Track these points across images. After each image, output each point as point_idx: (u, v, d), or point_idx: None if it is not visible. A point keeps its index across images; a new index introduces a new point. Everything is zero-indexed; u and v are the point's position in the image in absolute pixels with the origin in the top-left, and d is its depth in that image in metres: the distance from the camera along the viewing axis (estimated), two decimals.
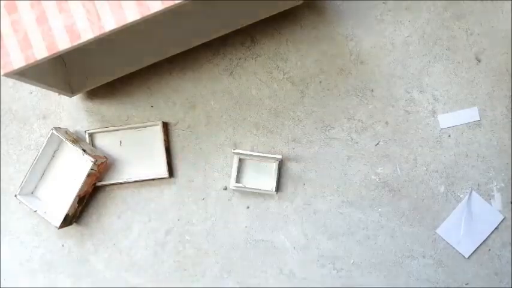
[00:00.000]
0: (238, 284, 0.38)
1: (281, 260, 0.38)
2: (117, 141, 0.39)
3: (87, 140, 0.39)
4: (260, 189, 0.38)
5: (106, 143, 0.39)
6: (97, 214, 0.39)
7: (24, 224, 0.39)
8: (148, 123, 0.39)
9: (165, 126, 0.39)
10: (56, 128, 0.37)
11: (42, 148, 0.37)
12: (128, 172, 0.39)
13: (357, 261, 0.38)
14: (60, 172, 0.38)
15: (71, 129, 0.39)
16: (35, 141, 0.40)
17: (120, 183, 0.39)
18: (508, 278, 0.37)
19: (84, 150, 0.36)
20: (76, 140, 0.38)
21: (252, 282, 0.38)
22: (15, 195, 0.37)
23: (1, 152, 0.40)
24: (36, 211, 0.37)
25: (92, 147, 0.38)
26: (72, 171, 0.38)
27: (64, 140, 0.37)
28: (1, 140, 0.40)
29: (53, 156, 0.39)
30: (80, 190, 0.37)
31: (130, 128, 0.39)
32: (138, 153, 0.39)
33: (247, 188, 0.38)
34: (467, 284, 0.37)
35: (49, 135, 0.37)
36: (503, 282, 0.37)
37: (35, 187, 0.38)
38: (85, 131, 0.39)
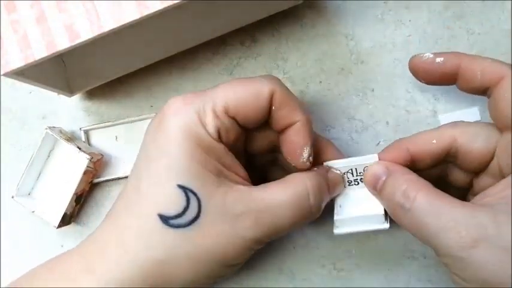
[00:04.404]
0: (237, 284, 0.38)
1: (281, 260, 0.38)
2: (113, 137, 0.39)
3: (83, 138, 0.39)
4: None
5: (102, 139, 0.39)
6: (95, 213, 0.39)
7: (23, 224, 0.39)
8: (143, 116, 0.38)
9: None
10: (50, 128, 0.37)
11: (37, 149, 0.37)
12: (124, 167, 0.39)
13: (358, 262, 0.37)
14: (56, 171, 0.38)
15: (70, 129, 0.39)
16: (34, 141, 0.40)
17: (118, 179, 0.38)
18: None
19: (79, 148, 0.36)
20: (71, 138, 0.38)
21: (252, 283, 0.38)
22: (12, 197, 0.37)
23: (1, 152, 0.40)
24: (33, 212, 0.37)
25: (87, 145, 0.38)
26: (68, 170, 0.38)
27: (59, 139, 0.37)
28: (1, 140, 0.40)
29: (49, 156, 0.38)
30: (77, 188, 0.36)
31: (126, 123, 0.39)
32: (134, 147, 0.38)
33: None
34: None
35: (43, 135, 0.37)
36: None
37: (32, 188, 0.38)
38: (80, 128, 0.39)
